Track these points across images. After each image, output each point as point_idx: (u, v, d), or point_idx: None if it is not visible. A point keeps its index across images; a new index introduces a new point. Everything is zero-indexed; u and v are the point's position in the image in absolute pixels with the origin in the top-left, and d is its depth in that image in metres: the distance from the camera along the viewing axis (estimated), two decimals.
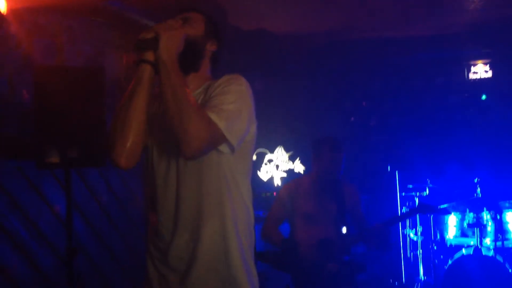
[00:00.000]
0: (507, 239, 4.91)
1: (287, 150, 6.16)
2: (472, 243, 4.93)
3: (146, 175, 2.00)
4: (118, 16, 4.10)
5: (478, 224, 4.89)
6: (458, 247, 5.00)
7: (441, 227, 5.21)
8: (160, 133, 1.94)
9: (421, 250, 5.16)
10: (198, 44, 1.99)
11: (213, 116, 1.78)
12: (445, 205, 4.98)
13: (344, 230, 3.74)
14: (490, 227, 4.89)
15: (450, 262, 4.88)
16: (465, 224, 5.04)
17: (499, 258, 4.71)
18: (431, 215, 5.10)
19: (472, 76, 6.18)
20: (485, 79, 6.16)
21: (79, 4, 3.85)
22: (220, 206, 1.90)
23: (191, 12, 2.06)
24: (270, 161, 6.11)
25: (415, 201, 5.34)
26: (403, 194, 5.55)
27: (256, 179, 5.87)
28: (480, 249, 4.79)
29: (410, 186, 5.51)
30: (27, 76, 3.71)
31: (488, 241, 4.88)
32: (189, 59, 1.95)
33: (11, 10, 3.74)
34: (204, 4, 2.11)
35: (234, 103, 1.85)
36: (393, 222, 4.08)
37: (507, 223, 4.99)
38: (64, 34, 4.05)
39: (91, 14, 4.04)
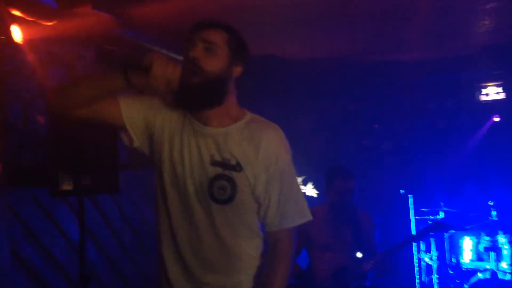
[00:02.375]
0: None
1: (299, 175, 6.13)
2: (488, 267, 4.86)
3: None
4: (132, 45, 4.15)
5: (494, 248, 4.82)
6: (474, 271, 4.94)
7: (456, 251, 5.14)
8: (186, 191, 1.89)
9: (436, 275, 5.08)
10: (223, 78, 1.80)
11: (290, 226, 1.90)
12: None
13: (359, 255, 3.71)
14: (506, 251, 4.81)
15: (466, 286, 4.81)
16: (480, 248, 4.98)
17: None
18: (447, 239, 5.03)
19: (483, 98, 6.16)
20: (497, 100, 6.13)
21: (93, 34, 3.91)
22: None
23: (213, 30, 1.80)
24: None
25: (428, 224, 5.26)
26: (417, 217, 5.50)
27: None
28: (497, 273, 4.71)
29: (424, 209, 5.46)
30: (42, 105, 3.77)
31: (504, 264, 4.81)
32: (213, 95, 1.81)
33: (26, 40, 3.81)
34: None
35: (298, 190, 1.93)
36: (407, 243, 4.05)
37: None
38: (79, 63, 4.11)
39: (105, 43, 4.10)
